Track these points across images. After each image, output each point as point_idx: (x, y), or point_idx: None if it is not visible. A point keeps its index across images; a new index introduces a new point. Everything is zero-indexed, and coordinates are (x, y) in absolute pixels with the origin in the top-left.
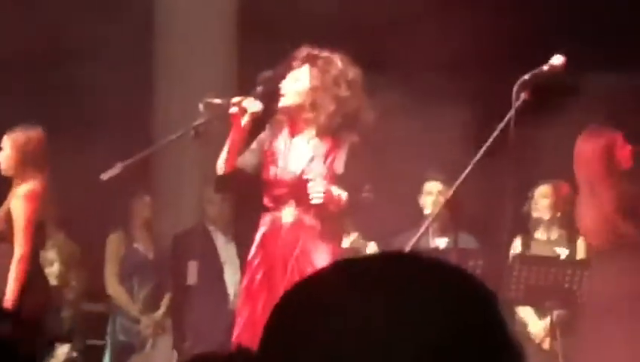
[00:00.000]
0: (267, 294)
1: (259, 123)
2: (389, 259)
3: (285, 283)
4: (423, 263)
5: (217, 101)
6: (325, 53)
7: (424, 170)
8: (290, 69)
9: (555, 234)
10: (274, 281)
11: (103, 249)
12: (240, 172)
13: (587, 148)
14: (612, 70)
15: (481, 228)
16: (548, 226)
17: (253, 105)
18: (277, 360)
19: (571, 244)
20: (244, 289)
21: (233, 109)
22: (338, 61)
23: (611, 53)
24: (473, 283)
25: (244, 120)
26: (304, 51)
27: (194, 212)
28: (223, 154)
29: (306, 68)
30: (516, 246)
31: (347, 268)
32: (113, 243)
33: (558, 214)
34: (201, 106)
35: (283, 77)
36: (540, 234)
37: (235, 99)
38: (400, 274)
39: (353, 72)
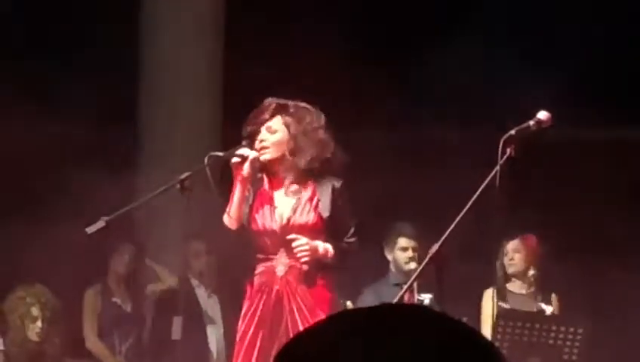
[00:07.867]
0: (262, 345)
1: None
2: (387, 311)
3: (283, 335)
4: (424, 315)
5: (220, 154)
6: (292, 103)
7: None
8: (262, 122)
9: (530, 289)
10: (270, 332)
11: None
12: (243, 226)
13: None
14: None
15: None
16: (522, 280)
17: (251, 153)
18: None
19: (547, 299)
20: (239, 340)
21: (235, 159)
22: (308, 107)
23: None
24: (475, 335)
25: (245, 168)
26: (271, 103)
27: (178, 265)
28: (233, 208)
29: (278, 118)
30: (487, 297)
31: (345, 320)
32: (90, 298)
33: (531, 268)
34: (206, 160)
35: (258, 130)
36: (514, 288)
37: (240, 150)
38: (401, 326)
39: (323, 117)
